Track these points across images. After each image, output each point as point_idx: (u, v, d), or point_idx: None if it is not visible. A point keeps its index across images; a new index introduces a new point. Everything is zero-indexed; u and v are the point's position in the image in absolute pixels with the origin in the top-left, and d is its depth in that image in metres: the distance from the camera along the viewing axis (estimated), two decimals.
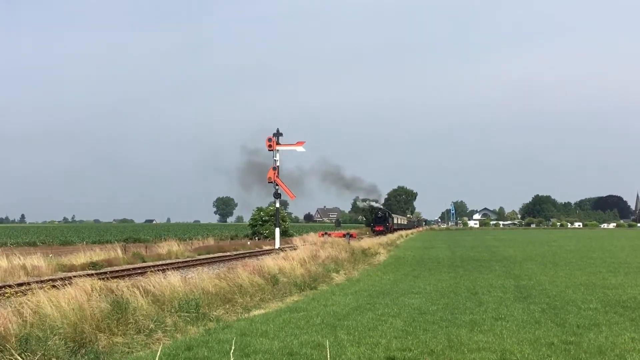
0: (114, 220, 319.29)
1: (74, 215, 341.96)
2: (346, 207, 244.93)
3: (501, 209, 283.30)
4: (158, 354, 9.31)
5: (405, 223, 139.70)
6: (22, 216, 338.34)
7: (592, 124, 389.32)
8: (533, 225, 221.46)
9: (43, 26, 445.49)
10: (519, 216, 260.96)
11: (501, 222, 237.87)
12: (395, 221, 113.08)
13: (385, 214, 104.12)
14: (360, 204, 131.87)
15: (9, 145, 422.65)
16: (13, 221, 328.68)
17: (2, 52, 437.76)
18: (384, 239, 62.73)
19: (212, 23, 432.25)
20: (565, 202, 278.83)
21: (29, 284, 19.58)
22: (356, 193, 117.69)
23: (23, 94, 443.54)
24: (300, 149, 46.31)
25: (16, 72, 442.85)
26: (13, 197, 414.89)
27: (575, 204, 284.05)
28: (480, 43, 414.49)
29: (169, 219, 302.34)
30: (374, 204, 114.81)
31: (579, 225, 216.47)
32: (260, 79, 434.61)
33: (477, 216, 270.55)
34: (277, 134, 44.20)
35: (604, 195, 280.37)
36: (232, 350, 8.55)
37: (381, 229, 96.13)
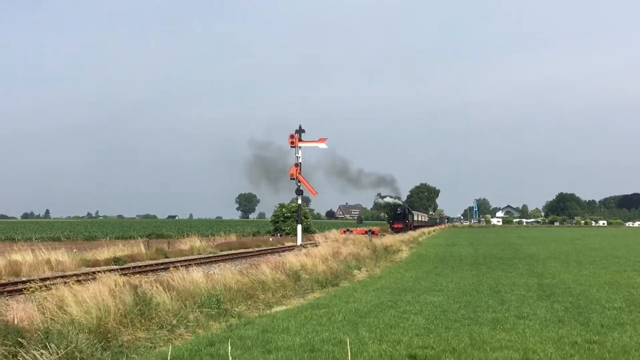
0: (137, 216, 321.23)
1: (97, 211, 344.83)
2: (368, 204, 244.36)
3: (524, 206, 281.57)
4: (169, 354, 9.36)
5: (426, 220, 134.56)
6: (47, 211, 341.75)
7: (617, 121, 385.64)
8: (557, 224, 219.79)
9: (62, 22, 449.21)
10: (543, 214, 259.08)
11: (524, 220, 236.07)
12: (415, 218, 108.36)
13: (404, 210, 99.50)
14: (377, 200, 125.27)
15: (35, 140, 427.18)
16: (38, 216, 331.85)
17: (23, 50, 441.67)
18: (405, 236, 62.50)
19: (229, 21, 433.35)
20: (589, 200, 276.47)
21: (53, 278, 19.77)
22: (363, 188, 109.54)
23: (48, 91, 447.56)
24: (322, 145, 46.30)
25: (40, 68, 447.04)
26: (38, 192, 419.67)
27: (599, 202, 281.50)
28: (505, 40, 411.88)
29: (191, 215, 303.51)
30: (392, 200, 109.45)
31: (604, 224, 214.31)
32: (280, 75, 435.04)
33: (500, 214, 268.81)
34: (300, 131, 44.19)
35: (629, 193, 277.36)
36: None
37: (400, 226, 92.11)
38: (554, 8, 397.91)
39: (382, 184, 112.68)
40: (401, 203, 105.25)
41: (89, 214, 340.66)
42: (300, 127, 44.78)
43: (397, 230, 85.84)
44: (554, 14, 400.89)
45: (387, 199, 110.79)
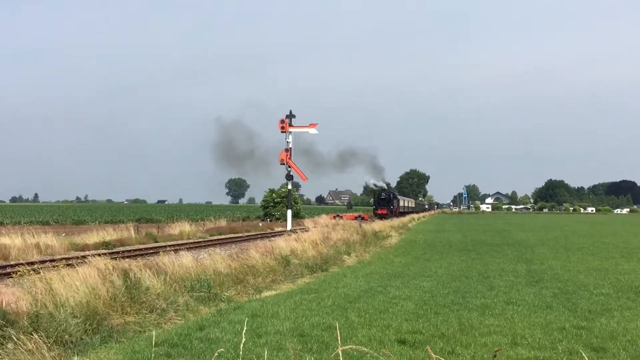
0: (126, 200, 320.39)
1: (86, 195, 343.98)
2: (358, 190, 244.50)
3: (514, 193, 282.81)
4: (153, 339, 9.38)
5: (414, 206, 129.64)
6: (36, 195, 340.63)
7: (606, 108, 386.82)
8: (546, 210, 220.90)
9: (52, 5, 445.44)
10: (532, 200, 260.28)
11: (513, 207, 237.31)
12: (401, 203, 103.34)
13: (389, 195, 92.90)
14: (366, 184, 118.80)
15: (24, 124, 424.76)
16: (27, 200, 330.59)
17: (13, 32, 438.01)
18: (395, 222, 62.59)
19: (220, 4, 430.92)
20: (578, 187, 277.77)
21: (42, 262, 19.72)
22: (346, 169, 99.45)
23: (37, 74, 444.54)
24: (312, 130, 46.25)
25: (32, 52, 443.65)
26: (27, 176, 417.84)
27: (588, 188, 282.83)
28: (493, 26, 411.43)
29: (181, 200, 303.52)
30: (377, 183, 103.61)
31: (592, 210, 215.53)
32: (268, 60, 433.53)
33: (489, 200, 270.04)
34: (290, 116, 44.11)
35: (618, 180, 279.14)
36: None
37: (384, 212, 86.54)
38: None
39: (361, 164, 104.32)
40: (386, 187, 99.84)
41: (77, 198, 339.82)
42: (290, 112, 44.78)
43: (380, 217, 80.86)
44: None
45: (371, 182, 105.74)
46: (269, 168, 63.77)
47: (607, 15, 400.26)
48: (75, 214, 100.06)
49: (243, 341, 8.36)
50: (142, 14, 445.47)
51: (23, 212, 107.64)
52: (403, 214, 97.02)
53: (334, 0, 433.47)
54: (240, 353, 9.61)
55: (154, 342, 10.47)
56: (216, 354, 7.49)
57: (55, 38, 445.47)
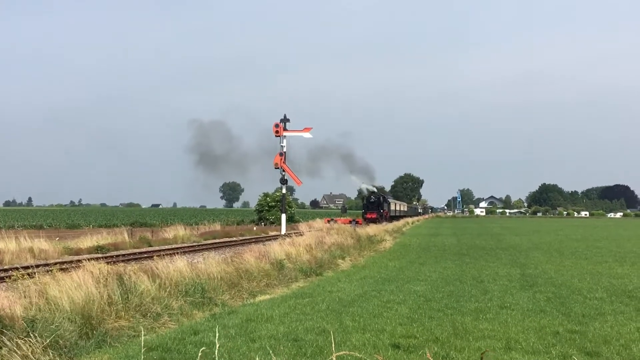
0: (120, 204, 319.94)
1: (80, 199, 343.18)
2: (352, 194, 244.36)
3: (508, 197, 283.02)
4: (142, 346, 9.39)
5: (406, 210, 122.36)
6: (30, 199, 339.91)
7: (599, 113, 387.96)
8: (539, 214, 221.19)
9: (52, 11, 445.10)
10: (526, 205, 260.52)
11: (507, 211, 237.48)
12: (392, 207, 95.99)
13: (379, 198, 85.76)
14: (360, 188, 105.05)
15: (17, 129, 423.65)
16: (20, 204, 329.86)
17: (10, 35, 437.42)
18: (389, 226, 62.61)
19: (216, 11, 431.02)
20: (572, 191, 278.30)
21: (36, 267, 19.66)
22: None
23: (30, 77, 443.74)
24: (307, 135, 46.27)
25: (22, 54, 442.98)
26: (21, 180, 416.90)
27: (582, 193, 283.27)
28: (486, 32, 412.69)
29: (175, 204, 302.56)
30: (366, 186, 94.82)
31: (586, 215, 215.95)
32: (264, 67, 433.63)
33: (483, 204, 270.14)
34: (284, 120, 44.10)
35: (611, 185, 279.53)
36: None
37: (373, 216, 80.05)
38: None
39: (359, 169, 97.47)
40: (375, 190, 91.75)
41: (71, 202, 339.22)
42: (285, 116, 44.75)
43: (369, 221, 74.27)
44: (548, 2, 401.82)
45: (360, 185, 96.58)
46: (245, 172, 62.69)
47: (603, 20, 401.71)
48: (69, 218, 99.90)
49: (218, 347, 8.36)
50: (142, 19, 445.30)
51: (16, 216, 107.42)
52: (394, 218, 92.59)
53: (327, 4, 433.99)
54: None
55: (147, 347, 10.47)
56: (200, 353, 7.47)
57: (50, 42, 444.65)
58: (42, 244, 30.39)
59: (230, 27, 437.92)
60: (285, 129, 44.26)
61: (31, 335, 10.55)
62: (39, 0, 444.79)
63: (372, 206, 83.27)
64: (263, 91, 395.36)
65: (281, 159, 44.00)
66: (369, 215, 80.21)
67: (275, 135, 44.26)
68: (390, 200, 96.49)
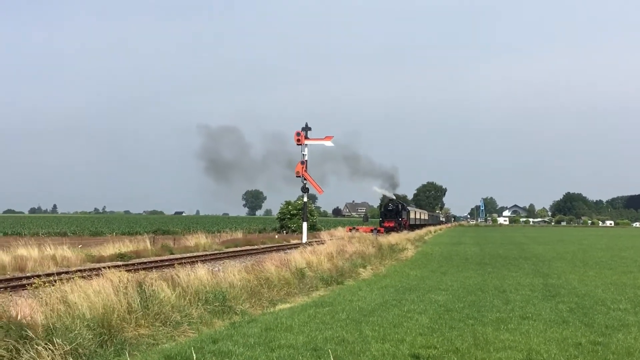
0: (144, 211, 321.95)
1: (104, 206, 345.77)
2: (375, 202, 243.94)
3: (531, 206, 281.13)
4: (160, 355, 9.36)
5: (427, 218, 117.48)
6: (54, 206, 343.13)
7: (625, 120, 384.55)
8: (563, 223, 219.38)
9: (69, 19, 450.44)
10: (550, 214, 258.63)
11: (531, 220, 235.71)
12: (412, 215, 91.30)
13: (397, 206, 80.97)
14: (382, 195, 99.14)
15: (44, 136, 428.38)
16: (45, 211, 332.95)
17: (32, 45, 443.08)
18: (411, 234, 62.31)
19: (228, 18, 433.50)
20: (596, 200, 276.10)
21: (58, 274, 19.81)
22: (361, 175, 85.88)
23: (57, 86, 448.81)
24: (328, 143, 46.27)
25: (47, 63, 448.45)
26: (46, 187, 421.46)
27: (607, 202, 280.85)
28: (512, 39, 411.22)
29: (198, 212, 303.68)
30: (383, 192, 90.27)
31: (611, 224, 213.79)
32: (279, 74, 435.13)
33: (506, 213, 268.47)
34: (306, 128, 44.12)
35: (637, 194, 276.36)
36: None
37: (391, 225, 75.11)
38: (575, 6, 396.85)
39: (380, 176, 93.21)
40: (393, 197, 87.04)
41: (96, 209, 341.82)
42: (306, 124, 44.79)
43: (388, 230, 70.28)
44: (570, 11, 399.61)
45: (378, 191, 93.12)
46: (253, 181, 61.53)
47: (629, 28, 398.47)
48: (92, 226, 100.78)
49: None
50: (160, 26, 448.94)
51: (41, 223, 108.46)
52: (414, 227, 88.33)
53: (351, 9, 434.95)
54: None
55: (165, 356, 10.48)
56: None
57: (83, 49, 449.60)
58: (65, 251, 30.62)
59: (244, 32, 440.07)
60: (306, 138, 44.27)
61: (51, 342, 10.61)
62: (52, 10, 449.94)
63: (390, 214, 79.16)
64: (277, 98, 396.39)
65: (303, 168, 44.00)
66: (386, 224, 76.02)
67: (297, 144, 44.31)
68: (409, 208, 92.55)
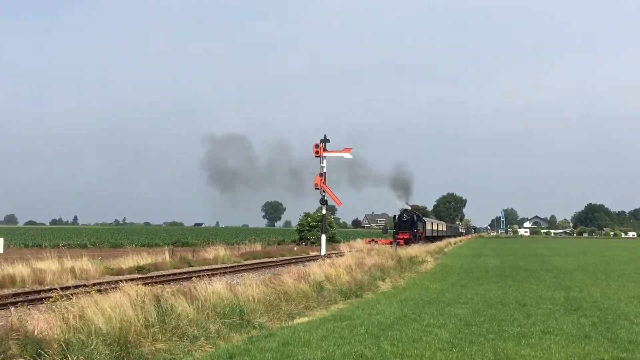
0: (163, 223, 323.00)
1: (125, 218, 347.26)
2: (395, 213, 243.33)
3: (552, 217, 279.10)
4: None
5: (445, 229, 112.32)
6: (75, 218, 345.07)
7: None
8: (585, 235, 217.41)
9: (96, 29, 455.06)
10: (571, 225, 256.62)
11: (552, 231, 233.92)
12: (428, 227, 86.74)
13: (412, 217, 75.59)
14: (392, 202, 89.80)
15: (64, 147, 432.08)
16: (66, 222, 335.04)
17: (51, 55, 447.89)
18: (431, 246, 61.89)
19: (260, 29, 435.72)
20: (619, 211, 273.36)
21: (75, 287, 19.84)
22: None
23: (76, 97, 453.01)
24: (347, 155, 46.03)
25: (67, 74, 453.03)
26: (67, 198, 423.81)
27: (629, 213, 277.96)
28: (531, 49, 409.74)
29: (217, 223, 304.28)
30: (397, 202, 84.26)
31: (634, 235, 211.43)
32: (303, 86, 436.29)
33: (527, 224, 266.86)
34: (324, 140, 43.96)
35: None
36: None
37: (406, 237, 70.06)
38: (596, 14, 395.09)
39: (387, 183, 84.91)
40: (408, 207, 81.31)
41: (116, 220, 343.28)
42: (325, 136, 44.59)
43: (403, 242, 65.81)
44: (592, 19, 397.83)
45: (395, 202, 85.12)
46: (257, 195, 59.85)
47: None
48: (112, 237, 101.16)
49: None
50: (179, 40, 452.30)
51: (62, 235, 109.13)
52: (431, 239, 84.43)
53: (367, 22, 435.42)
54: None
55: None
56: None
57: (99, 61, 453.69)
58: (84, 263, 30.73)
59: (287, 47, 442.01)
60: (325, 149, 44.15)
61: (68, 357, 10.56)
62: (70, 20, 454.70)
63: (405, 225, 73.91)
64: (301, 110, 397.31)
65: (321, 180, 43.85)
66: (400, 236, 70.45)
67: (315, 156, 44.17)
68: (425, 219, 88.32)
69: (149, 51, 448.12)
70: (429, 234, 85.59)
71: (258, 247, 58.80)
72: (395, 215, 77.76)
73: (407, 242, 66.32)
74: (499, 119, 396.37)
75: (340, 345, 13.30)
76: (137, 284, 15.80)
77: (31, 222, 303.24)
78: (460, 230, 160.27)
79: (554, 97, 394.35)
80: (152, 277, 28.45)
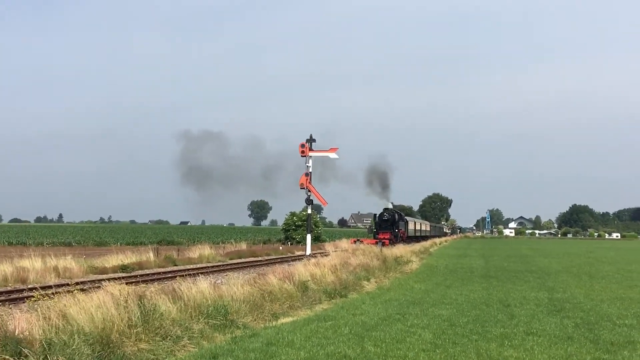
0: (149, 221, 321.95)
1: (110, 216, 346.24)
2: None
3: (537, 218, 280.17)
4: None
5: (429, 229, 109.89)
6: (60, 215, 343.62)
7: (632, 133, 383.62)
8: (570, 235, 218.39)
9: (82, 29, 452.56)
10: (556, 226, 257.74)
11: (537, 232, 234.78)
12: (410, 226, 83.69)
13: (393, 216, 72.04)
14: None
15: (50, 144, 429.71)
16: (51, 220, 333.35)
17: (35, 55, 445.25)
18: (416, 246, 61.97)
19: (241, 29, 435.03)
20: (603, 212, 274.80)
21: (58, 286, 19.71)
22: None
23: (62, 96, 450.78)
24: (333, 155, 46.02)
25: (53, 73, 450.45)
26: (52, 196, 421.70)
27: (613, 214, 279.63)
28: (518, 51, 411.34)
29: (203, 221, 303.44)
30: (377, 199, 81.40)
31: (617, 236, 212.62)
32: (289, 84, 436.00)
33: (512, 225, 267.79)
34: (310, 140, 43.97)
35: None
36: None
37: (386, 236, 67.25)
38: (573, 20, 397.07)
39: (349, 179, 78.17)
40: (390, 206, 77.58)
41: (101, 218, 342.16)
42: (311, 136, 44.62)
43: (383, 243, 62.58)
44: (573, 25, 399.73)
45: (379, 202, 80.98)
46: (232, 192, 58.38)
47: (631, 42, 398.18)
48: (97, 235, 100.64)
49: None
50: (167, 42, 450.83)
51: (46, 233, 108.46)
52: (414, 239, 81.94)
53: (353, 30, 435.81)
54: None
55: None
56: None
57: (86, 57, 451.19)
58: (67, 262, 30.54)
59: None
60: (311, 149, 44.14)
61: (48, 357, 10.49)
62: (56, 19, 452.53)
63: (385, 225, 70.81)
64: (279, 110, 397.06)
65: (307, 179, 43.85)
66: (381, 236, 67.72)
67: (301, 156, 44.16)
68: (408, 218, 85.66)
69: (133, 50, 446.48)
70: (411, 233, 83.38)
71: (243, 246, 58.63)
72: (375, 215, 74.94)
73: (391, 242, 64.82)
74: (485, 120, 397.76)
75: (324, 346, 13.28)
76: (121, 283, 15.74)
77: (16, 220, 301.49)
78: (445, 230, 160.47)
79: (538, 99, 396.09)
80: (136, 276, 28.30)
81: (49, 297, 13.73)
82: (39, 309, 12.92)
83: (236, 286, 18.81)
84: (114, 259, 35.15)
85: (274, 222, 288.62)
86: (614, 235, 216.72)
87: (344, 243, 62.57)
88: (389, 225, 70.50)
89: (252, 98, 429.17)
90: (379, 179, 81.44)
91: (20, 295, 21.03)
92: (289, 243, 77.21)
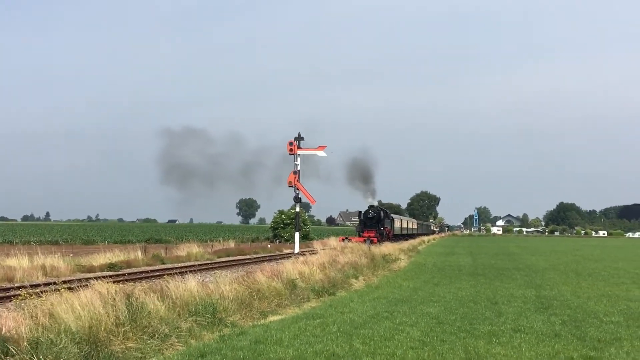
0: (137, 219, 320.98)
1: (98, 214, 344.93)
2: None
3: (525, 215, 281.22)
4: None
5: (415, 227, 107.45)
6: (47, 214, 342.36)
7: (619, 131, 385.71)
8: (557, 233, 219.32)
9: (64, 25, 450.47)
10: (543, 223, 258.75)
11: (524, 229, 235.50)
12: (397, 224, 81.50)
13: (378, 213, 69.85)
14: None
15: (37, 142, 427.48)
16: (38, 219, 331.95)
17: (25, 53, 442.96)
18: (405, 244, 62.06)
19: (233, 27, 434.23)
20: (590, 210, 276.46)
21: (46, 285, 19.63)
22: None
23: (50, 93, 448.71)
24: (321, 153, 46.09)
25: (41, 70, 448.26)
26: (39, 194, 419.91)
27: (600, 212, 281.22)
28: (508, 52, 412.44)
29: (191, 220, 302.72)
30: (362, 196, 78.51)
31: (604, 234, 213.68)
32: (284, 81, 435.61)
33: (500, 222, 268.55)
34: (299, 138, 44.04)
35: (630, 204, 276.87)
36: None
37: (371, 235, 64.61)
38: (559, 19, 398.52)
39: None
40: (375, 203, 76.17)
41: (89, 217, 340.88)
42: (299, 134, 44.68)
43: (368, 241, 60.08)
44: (558, 25, 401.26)
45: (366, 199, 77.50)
46: (214, 191, 57.69)
47: (621, 41, 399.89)
48: (85, 234, 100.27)
49: None
50: (155, 36, 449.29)
51: (33, 231, 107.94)
52: (401, 237, 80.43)
53: (342, 31, 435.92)
54: None
55: None
56: None
57: (78, 55, 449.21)
58: (55, 260, 30.41)
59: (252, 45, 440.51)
60: (299, 147, 44.17)
61: (36, 357, 10.44)
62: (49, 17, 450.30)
63: (370, 222, 68.30)
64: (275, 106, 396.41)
65: (295, 178, 43.87)
66: (365, 234, 65.39)
67: (290, 154, 44.20)
68: (394, 216, 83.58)
69: (125, 47, 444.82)
70: (398, 232, 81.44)
71: (232, 244, 58.56)
72: (360, 212, 72.32)
73: (378, 241, 62.53)
74: (474, 118, 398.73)
75: (312, 344, 13.28)
76: (109, 282, 15.67)
77: (2, 218, 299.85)
78: (432, 229, 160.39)
79: (526, 97, 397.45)
80: (124, 275, 28.21)
81: (36, 295, 13.63)
82: (26, 308, 12.84)
83: (224, 284, 18.77)
84: (101, 258, 35.01)
85: (262, 220, 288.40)
86: (601, 233, 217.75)
87: (333, 241, 62.58)
88: (374, 223, 68.27)
89: (252, 98, 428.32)
90: (360, 174, 77.62)
91: (7, 294, 20.88)
92: (277, 241, 77.12)
